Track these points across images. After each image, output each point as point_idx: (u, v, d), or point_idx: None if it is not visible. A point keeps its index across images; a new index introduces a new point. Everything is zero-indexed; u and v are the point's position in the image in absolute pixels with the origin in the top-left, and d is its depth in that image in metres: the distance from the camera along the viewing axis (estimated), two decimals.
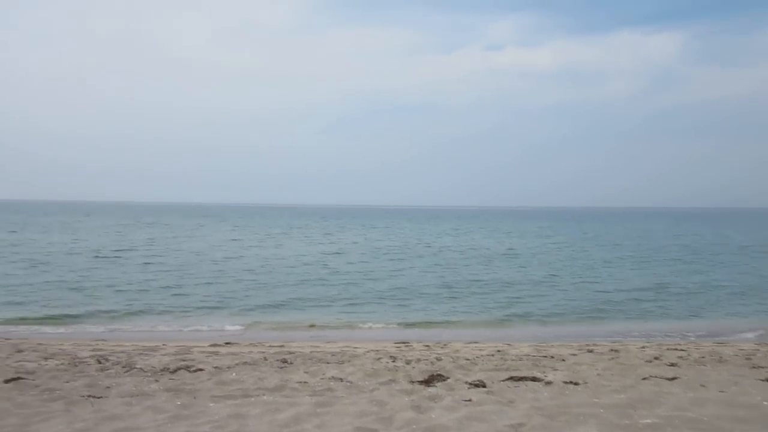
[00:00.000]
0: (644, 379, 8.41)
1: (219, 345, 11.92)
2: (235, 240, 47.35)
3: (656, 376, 8.55)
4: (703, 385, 8.00)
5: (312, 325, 15.72)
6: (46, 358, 9.49)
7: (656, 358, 10.22)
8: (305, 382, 8.06)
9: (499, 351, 11.16)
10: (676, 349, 11.49)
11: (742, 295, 21.83)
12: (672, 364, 9.62)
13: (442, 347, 11.92)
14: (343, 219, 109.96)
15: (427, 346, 12.15)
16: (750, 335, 15.05)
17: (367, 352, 10.88)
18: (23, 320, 15.52)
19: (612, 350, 11.27)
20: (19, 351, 10.11)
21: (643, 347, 11.90)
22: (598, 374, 8.71)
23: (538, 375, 8.51)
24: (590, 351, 11.14)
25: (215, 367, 8.97)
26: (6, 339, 11.85)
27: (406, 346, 12.20)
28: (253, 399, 7.23)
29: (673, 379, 8.40)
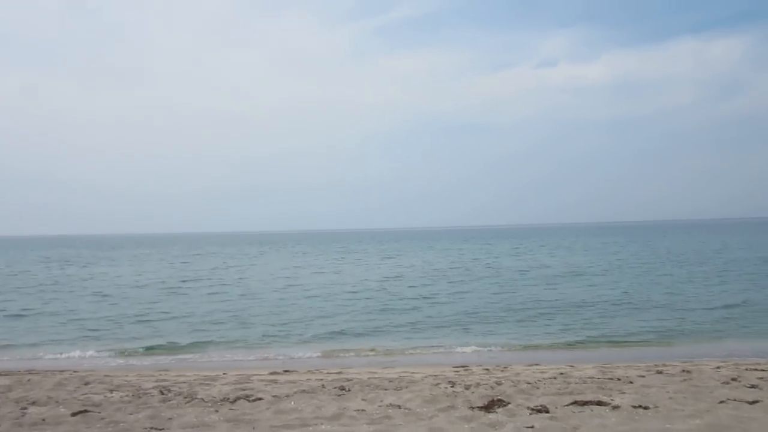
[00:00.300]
0: (721, 402, 7.88)
1: (278, 373, 12.00)
2: (297, 267, 47.77)
3: (735, 399, 8.01)
4: None
5: (372, 350, 15.69)
6: (111, 390, 9.77)
7: (734, 380, 9.58)
8: (363, 410, 7.97)
9: (561, 373, 10.75)
10: (755, 369, 10.75)
11: None
12: (752, 386, 8.99)
13: (502, 370, 11.59)
14: (399, 242, 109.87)
15: (487, 369, 11.84)
16: None
17: (426, 377, 10.69)
18: (95, 354, 16.10)
19: (684, 371, 10.65)
20: (87, 383, 10.46)
21: (718, 367, 11.19)
22: (670, 397, 8.22)
23: (604, 399, 8.11)
24: (660, 372, 10.56)
25: (274, 396, 9.00)
26: (74, 371, 12.29)
27: (465, 370, 11.93)
28: (311, 428, 7.19)
29: (754, 402, 7.83)
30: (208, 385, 10.25)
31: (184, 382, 10.54)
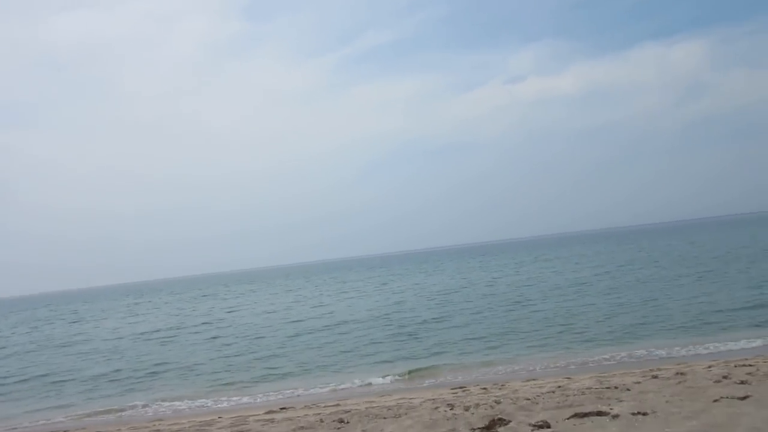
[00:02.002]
0: (715, 401, 8.03)
1: (275, 411, 11.84)
2: (297, 302, 46.40)
3: (727, 397, 8.16)
4: None
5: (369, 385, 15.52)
6: None
7: (725, 377, 9.76)
8: None
9: (559, 386, 10.81)
10: (744, 365, 10.95)
11: None
12: (742, 382, 9.17)
13: (499, 388, 11.62)
14: (390, 267, 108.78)
15: (485, 388, 11.85)
16: None
17: (424, 402, 10.66)
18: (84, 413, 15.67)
19: (678, 373, 10.81)
20: None
21: (710, 367, 11.38)
22: (667, 401, 8.34)
23: (604, 408, 8.19)
24: (655, 377, 10.69)
25: None
26: (65, 431, 11.98)
27: (463, 390, 11.93)
28: None
29: (744, 398, 8.00)
30: (204, 431, 10.09)
31: (179, 430, 10.35)
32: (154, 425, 11.63)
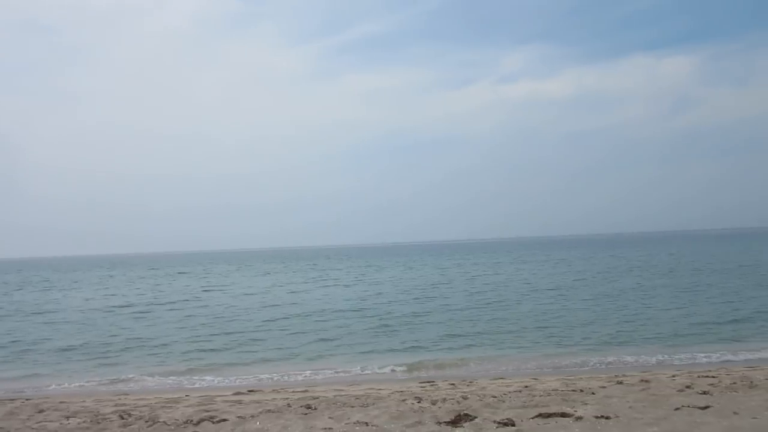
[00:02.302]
0: (677, 409, 8.18)
1: (242, 393, 11.82)
2: (274, 286, 46.28)
3: (689, 406, 8.32)
4: (735, 413, 7.78)
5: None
6: (68, 417, 9.45)
7: (687, 387, 9.95)
8: (330, 429, 7.94)
9: (526, 387, 10.93)
10: (707, 376, 11.18)
11: None
12: (704, 392, 9.35)
13: (467, 385, 11.71)
14: (368, 258, 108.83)
15: (453, 384, 11.94)
16: None
17: (392, 393, 10.72)
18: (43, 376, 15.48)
19: (642, 380, 10.99)
20: (41, 411, 10.08)
21: (674, 376, 11.59)
22: (630, 407, 8.48)
23: (568, 410, 8.30)
24: (620, 382, 10.86)
25: (239, 417, 8.87)
26: (27, 399, 11.83)
27: (432, 385, 12.00)
28: None
29: (705, 408, 8.16)
30: (170, 407, 10.03)
31: (145, 406, 10.28)
32: (119, 399, 11.53)
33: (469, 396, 9.93)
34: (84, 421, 9.04)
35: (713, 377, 11.02)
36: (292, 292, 39.36)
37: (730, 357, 15.13)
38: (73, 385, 14.64)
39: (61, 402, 11.18)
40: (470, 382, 12.19)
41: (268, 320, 25.19)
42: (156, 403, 10.63)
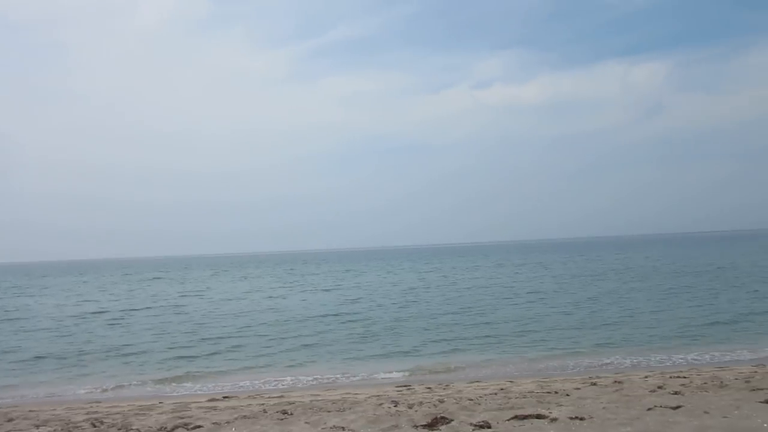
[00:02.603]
0: (649, 409, 8.31)
1: (217, 399, 11.70)
2: (258, 291, 45.62)
3: (661, 406, 8.46)
4: (706, 412, 7.93)
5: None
6: (38, 426, 9.25)
7: (660, 387, 10.13)
8: None
9: (502, 389, 11.01)
10: (678, 377, 11.40)
11: None
12: (675, 393, 9.53)
13: (444, 388, 11.75)
14: (348, 263, 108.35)
15: (429, 388, 11.97)
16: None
17: (369, 397, 10.70)
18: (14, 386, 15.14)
19: (615, 382, 11.15)
20: (10, 420, 9.85)
21: (646, 377, 11.79)
22: (604, 407, 8.59)
23: (543, 412, 8.39)
24: (594, 384, 11.01)
25: (214, 423, 8.78)
26: None
27: (408, 389, 12.01)
28: None
29: (677, 407, 8.31)
30: (143, 415, 9.88)
31: (118, 413, 10.11)
32: (92, 407, 11.32)
33: (445, 399, 9.97)
34: (54, 430, 8.86)
35: (684, 378, 11.24)
36: (269, 297, 39.08)
37: (700, 358, 15.47)
38: (43, 393, 14.35)
39: (30, 410, 10.94)
40: (447, 385, 12.23)
41: (245, 327, 24.97)
42: (129, 410, 10.46)
